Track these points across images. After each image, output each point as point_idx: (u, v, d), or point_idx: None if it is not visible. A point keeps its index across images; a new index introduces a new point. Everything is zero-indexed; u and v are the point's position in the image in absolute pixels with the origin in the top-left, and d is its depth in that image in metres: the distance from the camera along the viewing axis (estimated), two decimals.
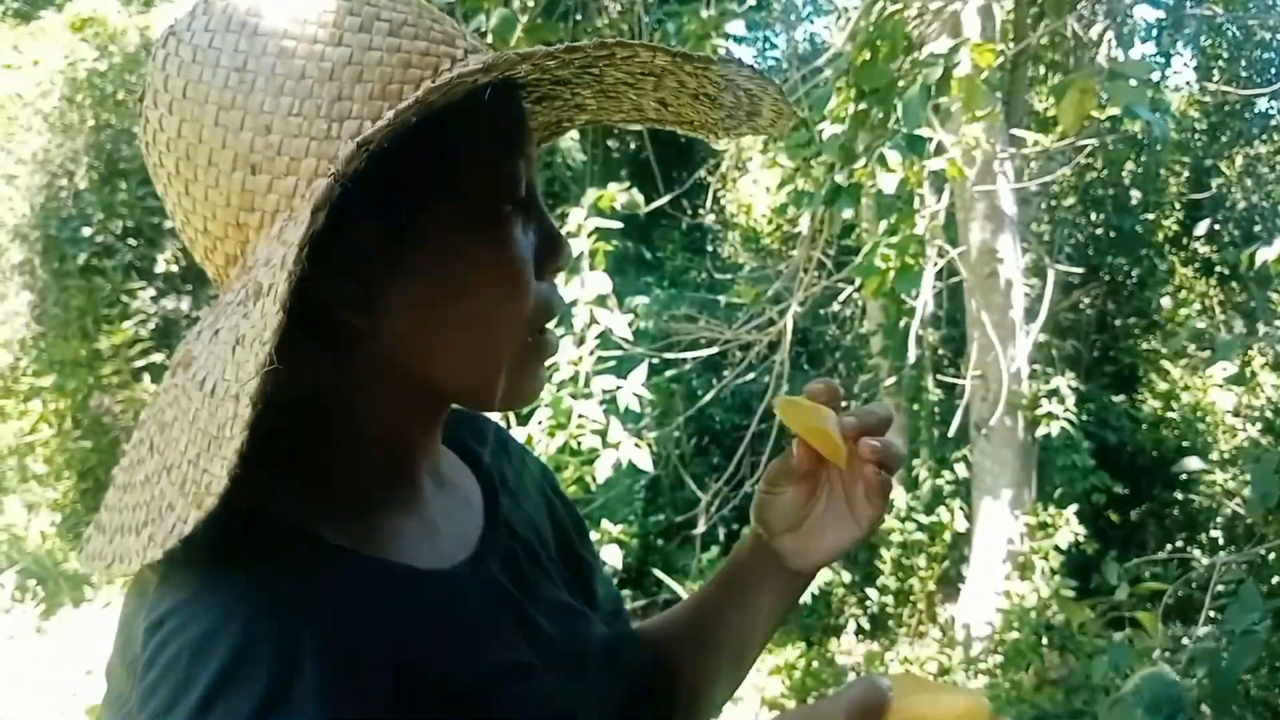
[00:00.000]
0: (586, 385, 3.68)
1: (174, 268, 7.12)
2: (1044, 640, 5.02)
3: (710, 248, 8.85)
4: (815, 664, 5.32)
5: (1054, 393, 5.63)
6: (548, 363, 0.75)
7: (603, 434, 3.74)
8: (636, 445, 3.63)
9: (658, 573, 6.19)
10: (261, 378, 0.54)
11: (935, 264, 5.33)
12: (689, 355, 5.30)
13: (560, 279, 0.78)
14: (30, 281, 7.05)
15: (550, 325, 0.72)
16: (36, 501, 6.70)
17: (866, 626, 6.10)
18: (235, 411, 0.55)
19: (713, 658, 0.90)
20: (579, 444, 3.83)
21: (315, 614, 0.60)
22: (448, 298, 0.66)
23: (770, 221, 9.32)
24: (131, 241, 6.91)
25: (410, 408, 0.71)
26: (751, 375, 6.13)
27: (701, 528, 6.15)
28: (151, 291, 7.02)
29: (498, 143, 0.67)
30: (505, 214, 0.67)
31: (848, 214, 3.48)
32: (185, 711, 0.55)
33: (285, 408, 0.71)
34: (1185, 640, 3.60)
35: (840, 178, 3.14)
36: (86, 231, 6.79)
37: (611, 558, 4.05)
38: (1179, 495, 6.79)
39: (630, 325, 3.85)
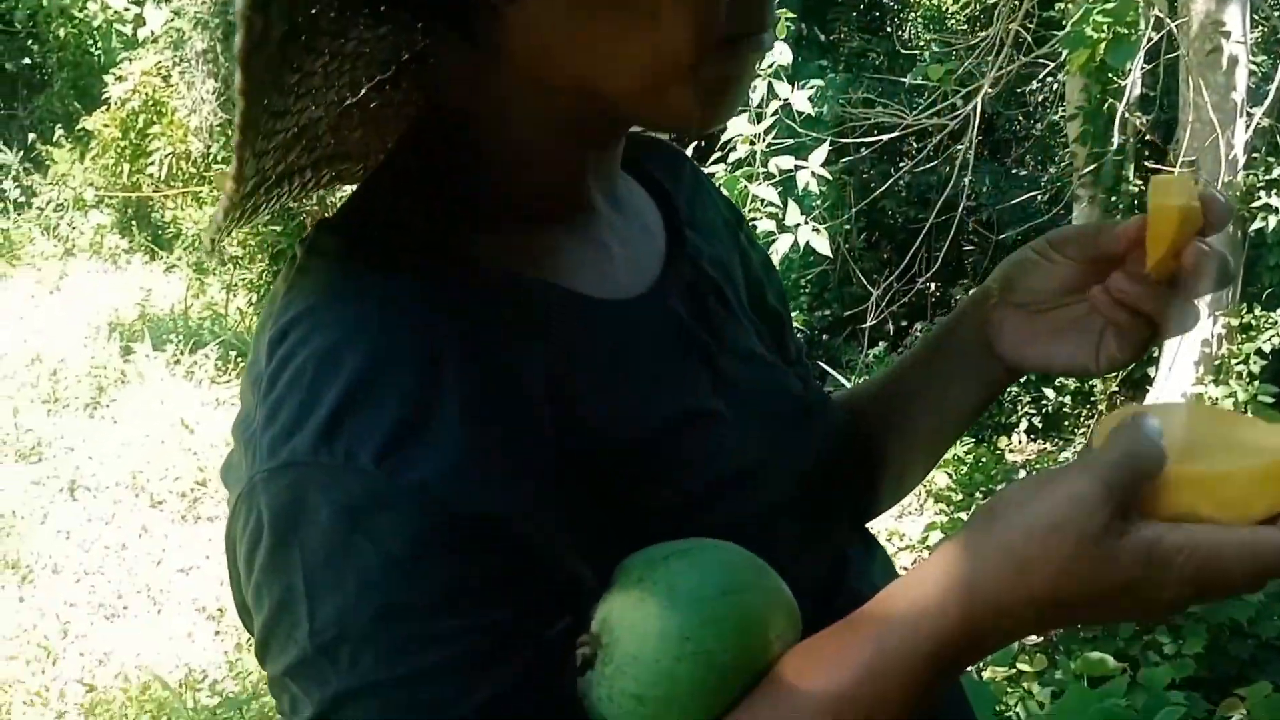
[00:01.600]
0: (763, 165, 3.54)
1: None
2: None
3: (889, 29, 8.28)
4: (984, 460, 5.23)
5: (1274, 184, 5.11)
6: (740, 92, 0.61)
7: (778, 218, 3.61)
8: (815, 230, 3.49)
9: (823, 367, 6.12)
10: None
11: (1148, 40, 4.81)
12: (867, 140, 5.02)
13: None
14: (214, 69, 7.23)
15: (749, 34, 0.58)
16: (234, 282, 7.13)
17: (1039, 425, 5.94)
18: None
19: (902, 433, 0.80)
20: (754, 227, 3.73)
21: (459, 332, 0.53)
22: None
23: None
24: None
25: (570, 120, 0.61)
26: (932, 164, 5.81)
27: (870, 322, 6.04)
28: None
29: None
30: None
31: None
32: (310, 434, 0.49)
33: (427, 117, 0.64)
34: None
35: None
36: None
37: None
38: None
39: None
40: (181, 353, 5.69)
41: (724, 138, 3.52)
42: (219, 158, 7.51)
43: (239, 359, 5.81)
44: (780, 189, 3.62)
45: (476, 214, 0.61)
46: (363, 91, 0.59)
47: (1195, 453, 0.49)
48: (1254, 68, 5.20)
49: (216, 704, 3.02)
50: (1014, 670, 2.49)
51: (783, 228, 3.61)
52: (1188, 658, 2.63)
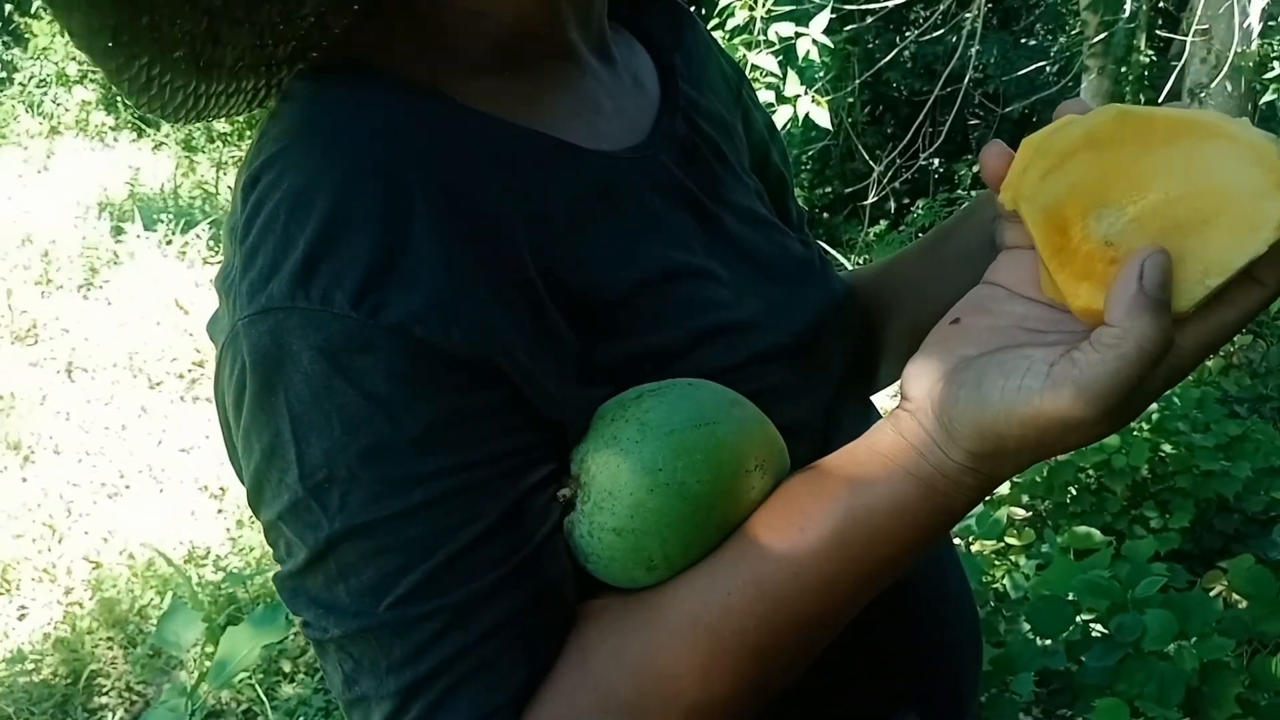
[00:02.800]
0: (762, 33, 3.41)
1: None
2: None
3: None
4: None
5: None
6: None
7: (778, 88, 3.50)
8: (814, 102, 3.39)
9: (823, 246, 6.06)
10: None
11: None
12: (872, 7, 4.85)
13: None
14: None
15: None
16: (223, 160, 7.01)
17: None
18: None
19: (899, 319, 0.79)
20: None
21: (430, 169, 0.53)
22: None
23: None
24: None
25: None
26: (939, 33, 5.63)
27: (871, 199, 5.95)
28: None
29: None
30: None
31: None
32: (286, 279, 0.49)
33: None
34: None
35: None
36: None
37: None
38: None
39: None
40: (173, 232, 5.61)
41: (722, 2, 3.39)
42: None
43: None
44: (780, 58, 3.50)
45: (454, 57, 0.60)
46: None
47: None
48: None
49: (220, 579, 3.08)
50: (1002, 544, 2.53)
51: (782, 99, 3.50)
52: (1174, 531, 2.67)
